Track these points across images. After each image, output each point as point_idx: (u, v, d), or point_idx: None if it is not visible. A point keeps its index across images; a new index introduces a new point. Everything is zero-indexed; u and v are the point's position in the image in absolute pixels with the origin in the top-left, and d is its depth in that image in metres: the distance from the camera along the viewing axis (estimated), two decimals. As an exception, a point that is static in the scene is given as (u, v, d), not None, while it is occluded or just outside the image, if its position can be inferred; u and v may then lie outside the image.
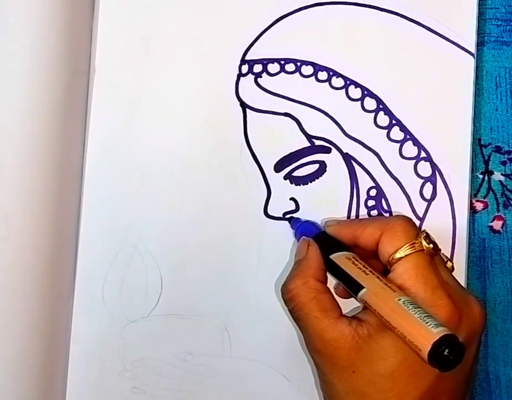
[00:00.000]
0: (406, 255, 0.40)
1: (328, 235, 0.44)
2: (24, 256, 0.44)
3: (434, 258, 0.41)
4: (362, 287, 0.40)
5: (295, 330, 0.47)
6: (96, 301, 0.48)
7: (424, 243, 0.41)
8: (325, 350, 0.40)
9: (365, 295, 0.40)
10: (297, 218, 0.47)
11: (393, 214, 0.47)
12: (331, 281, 0.44)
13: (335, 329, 0.40)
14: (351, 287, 0.41)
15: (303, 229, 0.46)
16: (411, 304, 0.38)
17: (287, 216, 0.47)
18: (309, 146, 0.47)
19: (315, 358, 0.41)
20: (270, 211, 0.47)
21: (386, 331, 0.39)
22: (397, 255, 0.40)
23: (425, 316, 0.37)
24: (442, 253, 0.43)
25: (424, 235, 0.41)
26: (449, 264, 0.43)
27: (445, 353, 0.35)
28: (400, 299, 0.38)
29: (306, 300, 0.41)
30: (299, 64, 0.47)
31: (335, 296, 0.42)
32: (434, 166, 0.47)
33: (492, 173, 0.49)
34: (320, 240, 0.44)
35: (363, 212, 0.47)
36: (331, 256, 0.42)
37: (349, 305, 0.44)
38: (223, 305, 0.47)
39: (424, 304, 0.39)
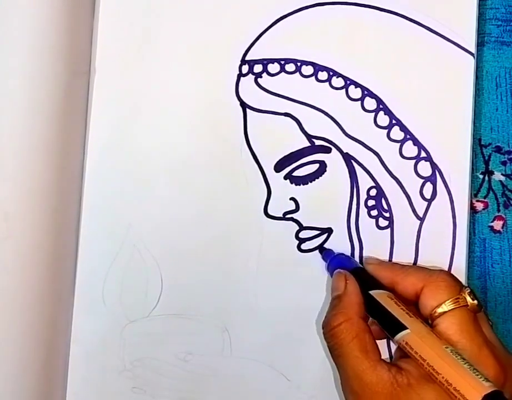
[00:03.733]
0: (449, 310, 0.39)
1: (365, 271, 0.44)
2: (24, 256, 0.44)
3: (477, 314, 0.41)
4: (404, 328, 0.39)
5: (295, 330, 0.47)
6: (96, 301, 0.48)
7: (468, 298, 0.40)
8: (363, 392, 0.39)
9: (408, 336, 0.39)
10: (329, 250, 0.46)
11: (433, 268, 0.44)
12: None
13: (374, 373, 0.39)
14: (390, 327, 0.40)
15: (337, 262, 0.45)
16: (458, 355, 0.37)
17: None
18: (309, 146, 0.47)
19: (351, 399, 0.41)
20: (270, 211, 0.47)
21: (428, 383, 0.38)
22: (440, 310, 0.40)
23: (474, 369, 0.36)
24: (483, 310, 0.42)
25: (468, 290, 0.40)
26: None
27: None
28: (447, 347, 0.37)
29: (348, 338, 0.40)
30: (299, 64, 0.47)
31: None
32: (434, 166, 0.47)
33: (492, 173, 0.48)
34: (356, 275, 0.43)
35: (363, 212, 0.47)
36: (371, 292, 0.41)
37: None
38: (223, 305, 0.47)
39: (471, 361, 0.38)
